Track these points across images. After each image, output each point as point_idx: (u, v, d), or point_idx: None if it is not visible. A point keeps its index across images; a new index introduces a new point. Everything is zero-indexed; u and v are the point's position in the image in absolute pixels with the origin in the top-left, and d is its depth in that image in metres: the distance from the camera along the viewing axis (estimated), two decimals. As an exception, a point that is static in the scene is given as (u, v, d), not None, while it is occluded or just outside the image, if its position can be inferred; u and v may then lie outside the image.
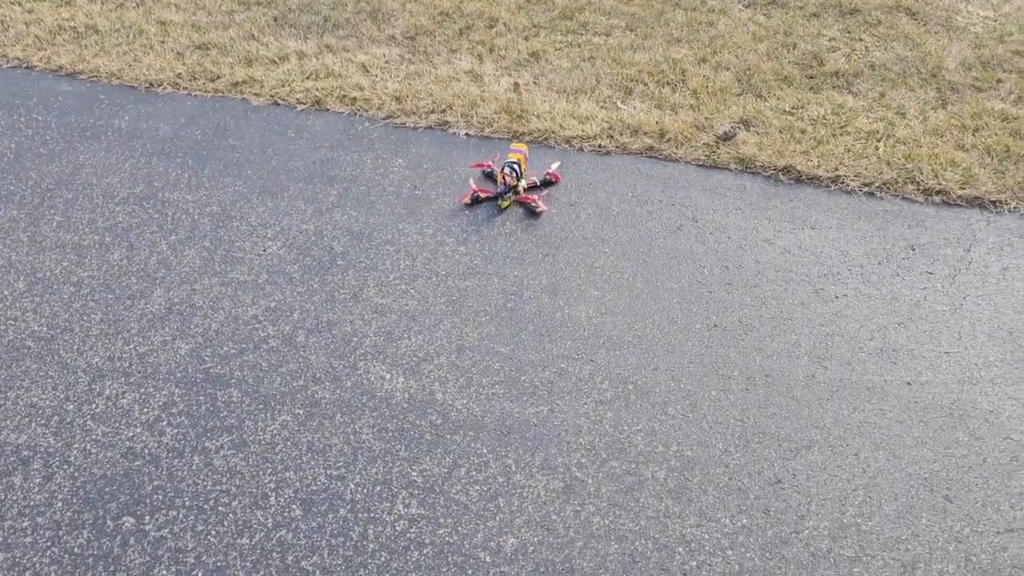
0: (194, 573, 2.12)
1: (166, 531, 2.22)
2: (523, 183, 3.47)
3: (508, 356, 2.75)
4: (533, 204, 3.39)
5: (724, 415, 2.59)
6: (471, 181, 3.54)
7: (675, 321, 2.92)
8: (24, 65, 4.40)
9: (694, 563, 2.20)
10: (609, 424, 2.54)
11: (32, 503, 2.29)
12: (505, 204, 3.41)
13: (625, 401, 2.62)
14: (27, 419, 2.51)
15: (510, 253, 3.20)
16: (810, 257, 3.24)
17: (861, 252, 3.27)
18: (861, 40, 4.69)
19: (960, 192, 3.55)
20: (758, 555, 2.23)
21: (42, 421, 2.51)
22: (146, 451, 2.43)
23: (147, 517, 2.25)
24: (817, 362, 2.79)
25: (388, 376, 2.67)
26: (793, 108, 4.05)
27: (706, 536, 2.27)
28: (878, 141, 3.82)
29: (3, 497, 2.29)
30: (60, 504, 2.28)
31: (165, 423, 2.51)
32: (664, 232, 3.33)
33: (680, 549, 2.23)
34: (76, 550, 2.17)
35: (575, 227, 3.34)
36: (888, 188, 3.58)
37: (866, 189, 3.58)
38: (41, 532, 2.21)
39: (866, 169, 3.65)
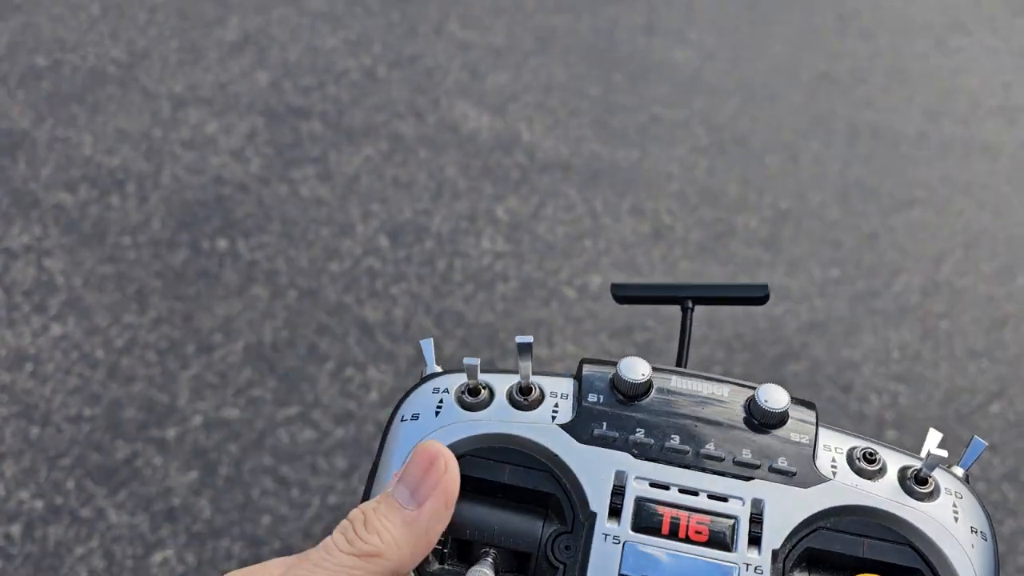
0: (288, 293, 2.20)
1: (259, 254, 2.28)
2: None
3: (599, 98, 2.62)
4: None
5: (825, 168, 2.47)
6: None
7: (780, 69, 2.72)
8: None
9: (780, 309, 2.19)
10: (703, 171, 2.45)
11: (132, 222, 2.35)
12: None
13: (720, 149, 2.51)
14: (118, 143, 2.53)
15: (603, -11, 2.96)
16: (935, 5, 2.92)
17: (995, 1, 2.93)
18: None
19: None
20: (845, 305, 2.21)
21: (132, 145, 2.52)
22: (234, 178, 2.44)
23: (240, 240, 2.31)
24: (930, 118, 2.60)
25: (473, 113, 2.59)
26: None
27: (795, 285, 2.24)
28: None
29: (104, 215, 2.36)
30: (158, 224, 2.35)
31: (251, 152, 2.50)
32: (774, -29, 3.02)
33: (767, 296, 2.22)
34: (177, 267, 2.26)
35: (675, -37, 3.05)
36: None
37: (1010, -72, 3.15)
38: (143, 249, 2.30)
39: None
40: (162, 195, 2.40)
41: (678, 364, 0.65)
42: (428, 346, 0.57)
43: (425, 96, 2.64)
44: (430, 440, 0.50)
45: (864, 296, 2.22)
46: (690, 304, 0.70)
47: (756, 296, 0.70)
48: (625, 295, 0.74)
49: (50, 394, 1.93)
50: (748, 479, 0.52)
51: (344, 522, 0.46)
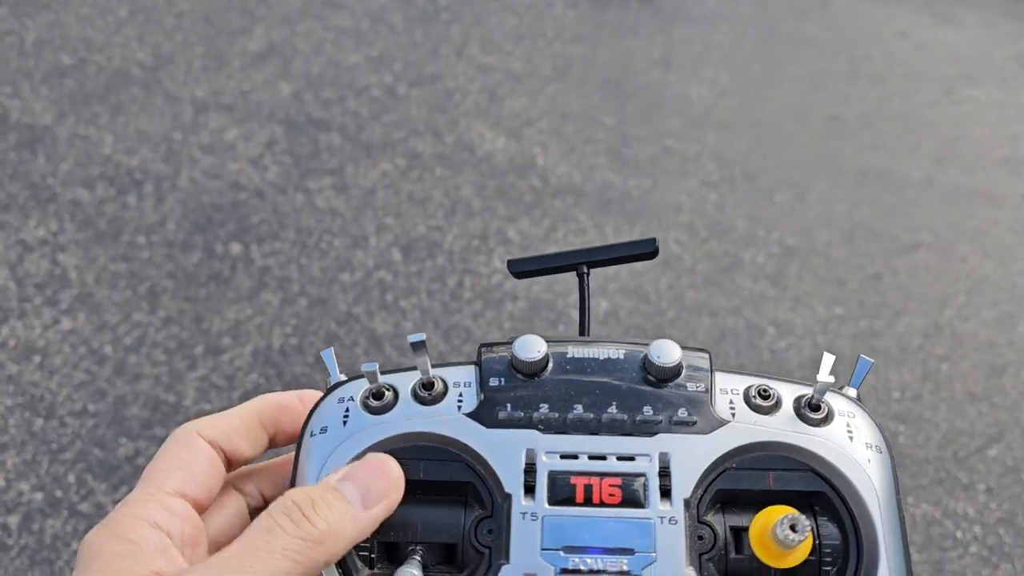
0: (299, 300, 2.22)
1: (272, 260, 2.30)
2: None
3: (613, 128, 2.67)
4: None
5: (831, 208, 2.51)
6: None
7: (791, 109, 2.77)
8: None
9: (783, 343, 2.22)
10: (712, 205, 2.49)
11: (147, 222, 2.38)
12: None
13: (730, 184, 2.55)
14: (138, 144, 2.56)
15: (622, 22, 3.02)
16: (946, 55, 2.99)
17: (1002, 55, 3.01)
18: None
19: None
20: (848, 343, 2.23)
21: (151, 147, 2.55)
22: (251, 185, 2.47)
23: (254, 246, 2.33)
24: (937, 165, 2.65)
25: (489, 135, 2.63)
26: None
27: (798, 321, 2.27)
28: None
29: (120, 214, 2.39)
30: (173, 226, 2.37)
31: (269, 159, 2.53)
32: (789, 14, 3.09)
33: (771, 329, 2.25)
34: (189, 268, 2.28)
35: (694, 1, 3.11)
36: (1045, -12, 3.23)
37: (1020, -13, 3.24)
38: (157, 249, 2.32)
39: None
40: (179, 197, 2.43)
41: (581, 331, 0.65)
42: (329, 356, 0.57)
43: (443, 116, 2.68)
44: (386, 455, 0.51)
45: (866, 335, 2.25)
46: (585, 269, 0.71)
47: (646, 252, 0.71)
48: (522, 270, 0.74)
49: (56, 387, 1.93)
50: (652, 434, 0.53)
51: (287, 502, 0.43)
